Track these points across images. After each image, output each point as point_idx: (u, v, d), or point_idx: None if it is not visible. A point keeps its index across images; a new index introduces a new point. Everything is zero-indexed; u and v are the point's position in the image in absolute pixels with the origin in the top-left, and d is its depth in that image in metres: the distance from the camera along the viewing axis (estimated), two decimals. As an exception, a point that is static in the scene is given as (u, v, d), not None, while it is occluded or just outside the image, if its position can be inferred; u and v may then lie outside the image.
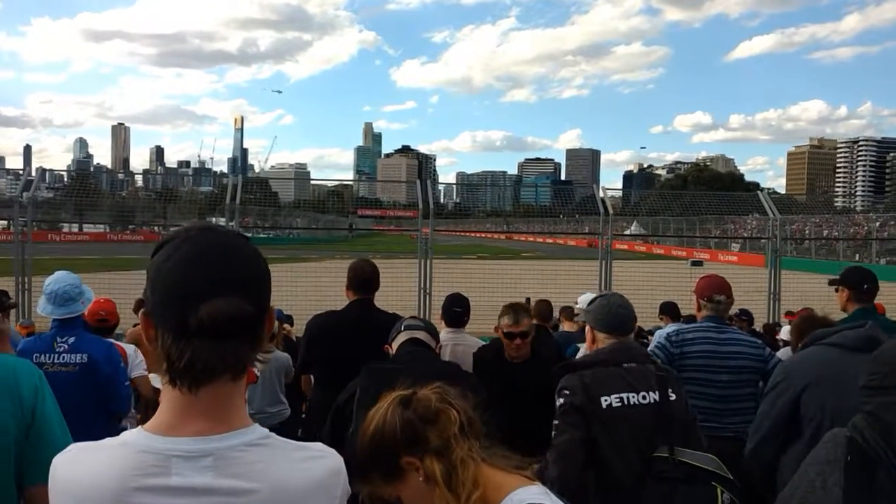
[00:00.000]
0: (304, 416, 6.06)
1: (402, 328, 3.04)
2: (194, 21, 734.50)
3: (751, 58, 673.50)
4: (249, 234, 24.20)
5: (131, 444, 1.08)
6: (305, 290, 11.72)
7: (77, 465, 1.09)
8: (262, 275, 1.15)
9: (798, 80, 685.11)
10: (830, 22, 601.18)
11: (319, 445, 1.21)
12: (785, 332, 6.14)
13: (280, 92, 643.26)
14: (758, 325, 8.82)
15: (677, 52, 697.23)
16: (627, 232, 26.52)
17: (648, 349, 4.02)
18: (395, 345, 3.03)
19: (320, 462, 1.16)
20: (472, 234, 37.82)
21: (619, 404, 2.71)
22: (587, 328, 3.10)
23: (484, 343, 4.87)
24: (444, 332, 4.57)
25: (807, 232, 28.19)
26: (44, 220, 21.97)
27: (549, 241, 32.79)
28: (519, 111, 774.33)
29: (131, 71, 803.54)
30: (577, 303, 6.48)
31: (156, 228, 26.16)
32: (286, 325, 7.90)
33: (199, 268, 1.08)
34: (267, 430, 1.14)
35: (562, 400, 2.79)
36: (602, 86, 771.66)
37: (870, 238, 31.59)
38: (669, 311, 7.44)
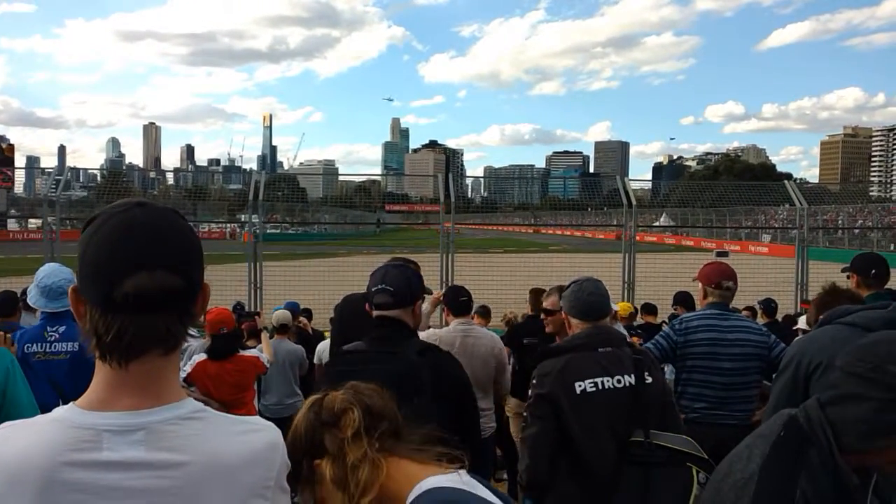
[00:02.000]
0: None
1: (374, 305, 2.69)
2: (225, 20, 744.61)
3: (784, 46, 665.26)
4: (278, 230, 24.47)
5: (62, 419, 1.07)
6: (333, 284, 11.79)
7: (6, 442, 1.07)
8: (193, 250, 1.13)
9: (833, 68, 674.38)
10: (867, 7, 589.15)
11: (257, 419, 1.21)
12: (802, 323, 6.01)
13: (391, 100, 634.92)
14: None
15: (709, 41, 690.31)
16: (656, 224, 26.23)
17: (655, 338, 3.99)
18: (373, 312, 2.72)
19: (257, 435, 1.15)
20: (500, 228, 37.67)
21: (594, 389, 2.71)
22: (563, 313, 3.11)
23: (497, 335, 4.86)
24: (454, 324, 4.56)
25: (840, 222, 27.64)
26: (77, 218, 22.37)
27: (578, 234, 32.54)
28: (548, 104, 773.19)
29: (163, 70, 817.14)
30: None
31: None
32: (301, 318, 7.96)
33: (126, 242, 1.07)
34: (201, 404, 1.13)
35: (531, 390, 2.80)
36: (632, 77, 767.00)
37: (905, 227, 30.85)
38: (683, 300, 7.39)
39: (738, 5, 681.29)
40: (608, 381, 2.73)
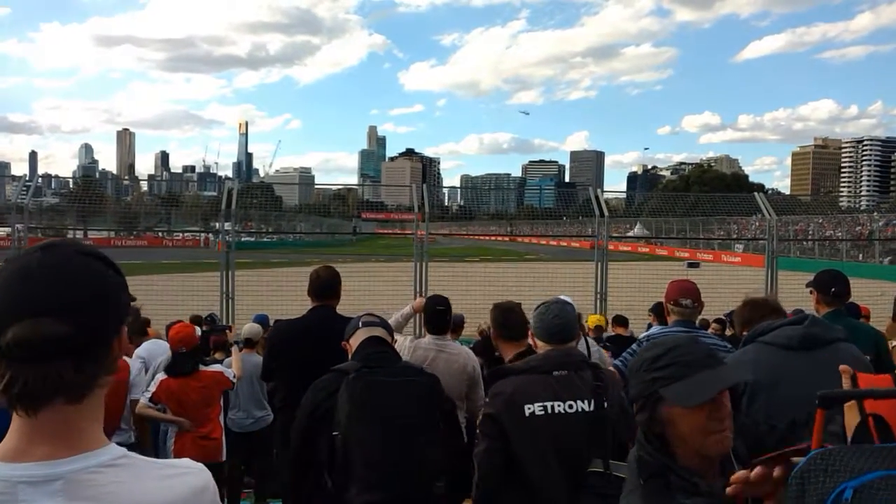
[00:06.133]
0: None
1: (360, 325, 3.08)
2: (204, 25, 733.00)
3: (761, 58, 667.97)
4: (253, 238, 24.32)
5: None
6: (306, 294, 11.68)
7: None
8: (95, 295, 1.08)
9: (808, 80, 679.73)
10: (842, 21, 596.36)
11: (186, 461, 1.17)
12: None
13: (527, 113, 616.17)
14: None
15: (687, 52, 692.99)
16: (630, 233, 26.42)
17: (623, 355, 4.00)
18: (353, 342, 3.07)
19: (182, 479, 1.11)
20: (476, 237, 37.71)
21: (543, 413, 2.67)
22: (531, 333, 3.14)
23: (469, 345, 4.86)
24: (428, 339, 4.54)
25: (809, 232, 28.06)
26: (49, 226, 22.04)
27: (554, 243, 32.73)
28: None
29: (140, 76, 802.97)
30: None
31: (160, 233, 26.36)
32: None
33: (16, 288, 1.04)
34: (124, 450, 1.09)
35: (482, 409, 2.81)
36: (610, 87, 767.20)
37: (872, 238, 31.44)
38: (656, 311, 7.45)
39: (716, 17, 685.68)
40: (559, 405, 2.68)
